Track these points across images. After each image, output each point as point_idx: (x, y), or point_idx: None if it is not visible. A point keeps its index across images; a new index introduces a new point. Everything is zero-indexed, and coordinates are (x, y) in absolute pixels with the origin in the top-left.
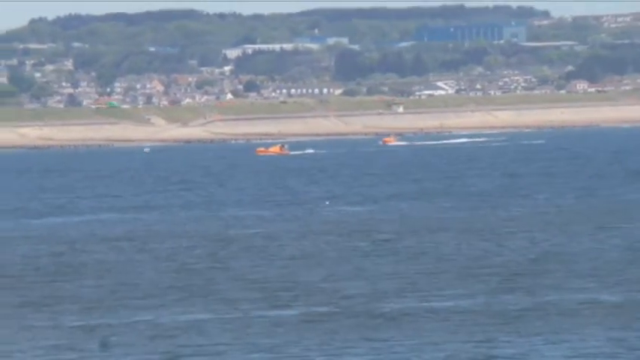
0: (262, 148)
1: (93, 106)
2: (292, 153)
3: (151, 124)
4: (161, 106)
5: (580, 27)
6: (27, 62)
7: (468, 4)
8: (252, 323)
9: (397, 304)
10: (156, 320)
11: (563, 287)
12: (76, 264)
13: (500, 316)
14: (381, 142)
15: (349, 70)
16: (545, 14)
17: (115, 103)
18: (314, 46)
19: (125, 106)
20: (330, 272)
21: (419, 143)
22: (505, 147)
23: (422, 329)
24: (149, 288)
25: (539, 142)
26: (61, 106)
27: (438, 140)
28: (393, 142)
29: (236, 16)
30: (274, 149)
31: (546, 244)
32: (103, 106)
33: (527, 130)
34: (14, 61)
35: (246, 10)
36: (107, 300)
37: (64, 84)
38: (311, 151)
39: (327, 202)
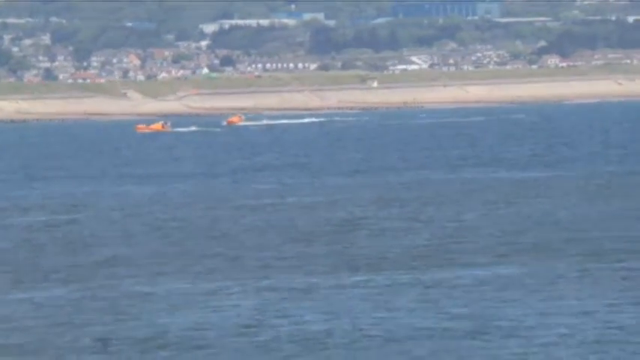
0: (143, 125)
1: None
2: (177, 130)
3: (127, 98)
4: (137, 80)
5: (553, 3)
6: (5, 37)
7: None
8: None
9: None
10: None
11: None
12: None
13: None
14: (224, 123)
15: (324, 45)
16: None
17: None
18: (290, 21)
19: (101, 81)
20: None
21: (264, 123)
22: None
23: None
24: None
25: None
26: (38, 79)
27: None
28: (238, 122)
29: None
30: (156, 126)
31: None
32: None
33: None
34: None
35: None
36: None
37: (41, 58)
38: (194, 128)
39: None
